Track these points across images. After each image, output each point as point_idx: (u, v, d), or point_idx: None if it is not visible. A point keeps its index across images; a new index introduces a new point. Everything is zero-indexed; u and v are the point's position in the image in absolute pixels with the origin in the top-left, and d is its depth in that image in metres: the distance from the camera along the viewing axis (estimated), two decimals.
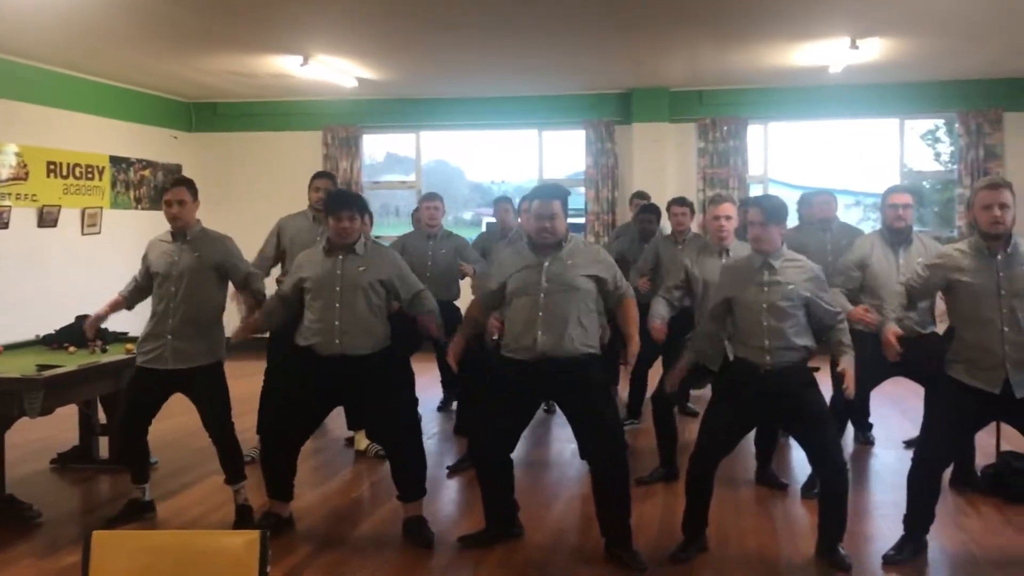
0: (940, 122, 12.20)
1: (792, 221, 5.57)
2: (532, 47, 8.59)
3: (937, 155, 13.07)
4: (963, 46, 8.63)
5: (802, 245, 5.72)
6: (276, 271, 6.15)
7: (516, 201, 7.68)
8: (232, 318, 5.16)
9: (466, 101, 11.25)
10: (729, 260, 5.11)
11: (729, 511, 5.15)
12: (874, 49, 8.51)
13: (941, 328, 5.09)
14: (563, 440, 6.69)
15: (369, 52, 8.85)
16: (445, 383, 8.11)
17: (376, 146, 12.99)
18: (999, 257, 4.08)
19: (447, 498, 5.62)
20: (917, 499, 4.38)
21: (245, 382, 6.47)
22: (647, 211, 7.47)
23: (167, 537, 2.91)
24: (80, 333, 5.97)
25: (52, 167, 9.30)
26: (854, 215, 13.86)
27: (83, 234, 9.73)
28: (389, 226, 12.86)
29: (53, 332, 6.11)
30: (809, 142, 13.24)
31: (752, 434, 5.44)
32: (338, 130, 11.46)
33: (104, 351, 5.80)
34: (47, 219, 9.16)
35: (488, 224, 9.34)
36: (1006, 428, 5.40)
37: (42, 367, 5.05)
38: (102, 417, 6.26)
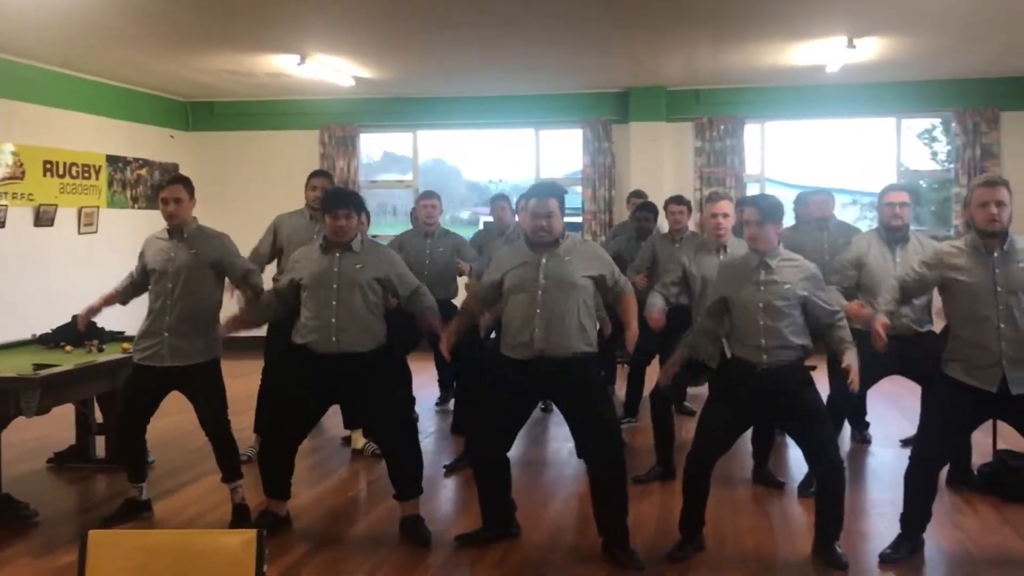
0: (937, 121, 12.21)
1: (788, 220, 5.58)
2: (529, 46, 8.59)
3: (934, 154, 13.08)
4: (960, 45, 8.63)
5: (799, 244, 5.72)
6: (273, 270, 6.15)
7: (513, 200, 7.68)
8: (230, 311, 5.14)
9: (463, 100, 11.24)
10: (726, 258, 5.11)
11: (726, 510, 5.15)
12: (871, 48, 8.51)
13: (938, 326, 5.11)
14: (560, 439, 6.69)
15: (366, 51, 8.84)
16: (442, 382, 8.12)
17: (373, 145, 12.98)
18: (995, 254, 4.07)
19: (444, 497, 5.62)
20: (914, 498, 4.39)
21: (242, 381, 6.48)
22: (644, 209, 7.47)
23: (163, 536, 2.91)
24: (76, 332, 5.97)
25: (48, 166, 9.29)
26: (851, 214, 13.86)
27: (80, 233, 9.71)
28: (386, 225, 12.84)
29: (50, 331, 6.10)
30: (806, 141, 13.22)
31: (749, 433, 5.46)
32: (335, 129, 11.45)
33: (101, 350, 5.80)
34: (43, 218, 9.15)
35: (485, 223, 9.34)
36: (1002, 426, 5.38)
37: (38, 366, 5.05)
38: (99, 416, 6.26)
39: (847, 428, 6.62)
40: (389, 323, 4.80)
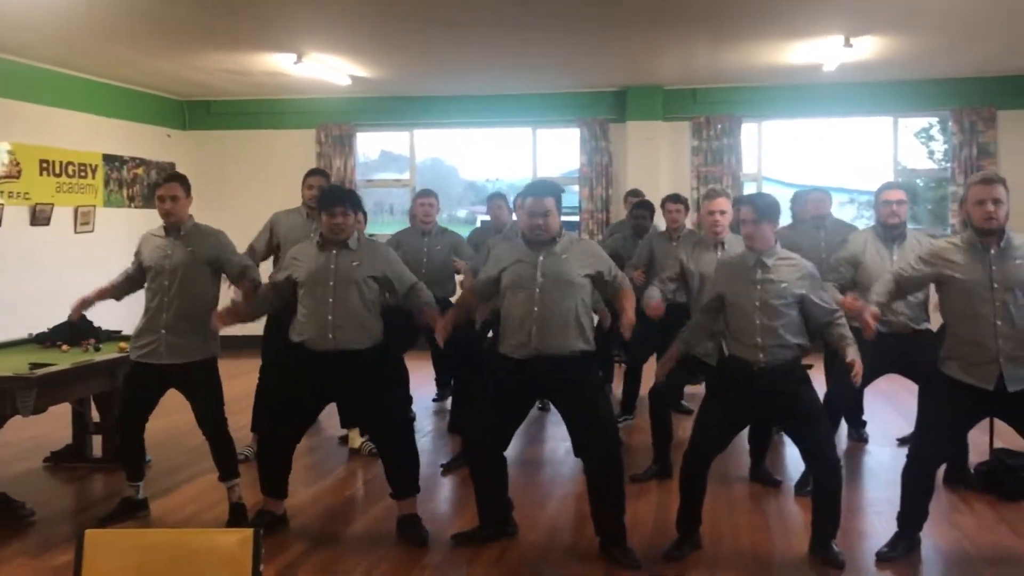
0: (934, 120, 12.24)
1: (785, 220, 5.58)
2: (527, 45, 8.58)
3: (931, 153, 13.11)
4: (957, 44, 8.64)
5: (795, 243, 5.72)
6: (269, 268, 6.14)
7: (510, 198, 7.67)
8: None
9: (460, 99, 11.24)
10: (724, 256, 5.11)
11: (723, 508, 5.15)
12: (868, 47, 8.52)
13: (935, 324, 5.11)
14: (557, 438, 6.69)
15: (363, 50, 8.84)
16: (439, 381, 8.12)
17: (370, 144, 13.00)
18: (992, 251, 4.08)
19: (441, 496, 5.62)
20: (911, 496, 4.39)
21: (239, 381, 6.47)
22: (640, 208, 7.47)
23: (160, 536, 2.90)
24: (71, 327, 5.96)
25: (45, 165, 9.27)
26: (848, 213, 13.89)
27: (76, 232, 9.70)
28: (383, 224, 12.85)
29: (46, 330, 6.10)
30: (803, 140, 13.25)
31: (745, 431, 5.46)
32: (332, 128, 11.44)
33: (97, 349, 5.80)
34: (40, 217, 9.13)
35: (482, 221, 9.33)
36: (999, 425, 5.40)
37: (35, 365, 5.05)
38: (95, 415, 6.26)
39: (844, 426, 6.63)
40: (386, 321, 4.80)
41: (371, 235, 6.62)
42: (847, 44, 8.19)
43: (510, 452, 4.69)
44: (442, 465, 6.06)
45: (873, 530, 4.81)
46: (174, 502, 5.45)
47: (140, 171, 10.80)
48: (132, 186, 10.66)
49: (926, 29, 7.98)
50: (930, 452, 4.37)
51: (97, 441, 6.28)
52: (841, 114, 11.06)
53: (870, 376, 5.38)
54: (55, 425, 6.44)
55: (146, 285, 4.98)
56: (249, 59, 9.08)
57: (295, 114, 11.48)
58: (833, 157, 13.69)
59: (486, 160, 15.19)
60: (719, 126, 10.80)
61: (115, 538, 2.53)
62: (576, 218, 11.12)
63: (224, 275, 5.06)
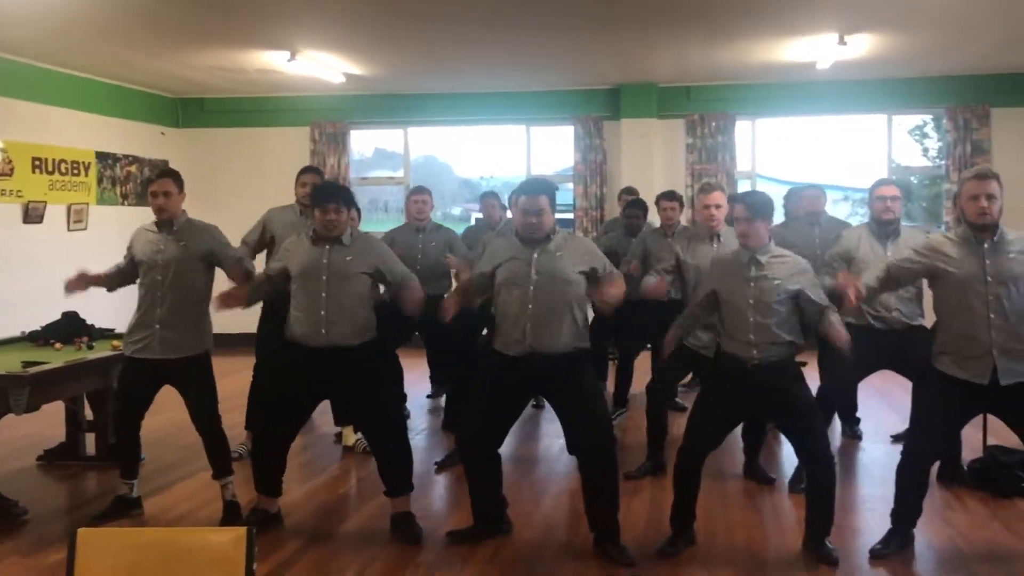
0: (928, 118, 12.23)
1: (778, 217, 5.58)
2: (521, 42, 8.57)
3: (925, 150, 13.10)
4: (951, 42, 8.65)
5: (789, 240, 5.73)
6: (260, 264, 6.13)
7: (503, 196, 7.67)
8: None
9: (454, 97, 11.23)
10: (719, 254, 5.11)
11: (717, 505, 5.16)
12: (862, 45, 8.52)
13: (929, 320, 5.12)
14: (551, 435, 6.69)
15: (357, 47, 8.82)
16: (434, 378, 8.12)
17: (364, 142, 12.96)
18: (986, 245, 4.09)
19: (436, 494, 5.61)
20: (905, 493, 4.40)
21: (233, 378, 6.47)
22: (634, 207, 7.47)
23: (153, 534, 2.90)
24: (67, 329, 5.97)
25: (38, 163, 9.25)
26: (843, 210, 13.89)
27: (69, 230, 9.68)
28: (377, 222, 12.82)
29: (39, 329, 6.09)
30: (797, 138, 13.24)
31: (739, 428, 5.46)
32: (325, 126, 11.43)
33: (90, 347, 5.79)
34: (33, 215, 9.11)
35: (476, 219, 9.34)
36: (993, 422, 5.42)
37: (28, 363, 5.05)
38: (89, 414, 6.24)
39: (838, 424, 6.65)
40: (379, 316, 4.80)
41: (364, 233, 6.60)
42: (841, 42, 8.19)
43: (504, 450, 4.68)
44: (436, 463, 6.06)
45: (867, 527, 4.82)
46: (168, 500, 5.44)
47: (133, 169, 10.77)
48: (125, 184, 10.64)
49: (920, 27, 7.98)
50: (924, 449, 4.38)
51: (90, 439, 6.26)
52: (835, 112, 11.08)
53: (864, 371, 5.42)
54: (48, 423, 6.42)
55: (139, 280, 4.97)
56: (242, 56, 9.06)
57: (289, 112, 11.47)
58: (827, 154, 13.67)
59: (480, 158, 15.14)
60: (713, 124, 10.81)
61: (108, 537, 2.52)
62: (570, 216, 11.11)
63: (219, 268, 5.05)
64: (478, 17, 7.56)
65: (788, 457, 5.84)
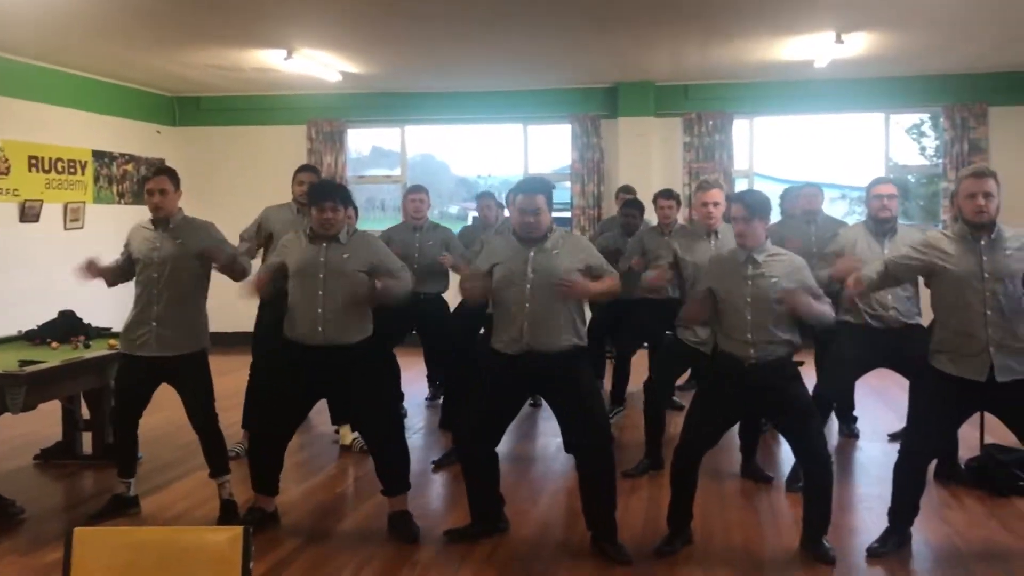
0: (925, 116, 12.25)
1: (774, 216, 5.58)
2: (518, 41, 8.57)
3: (922, 149, 13.13)
4: (948, 41, 8.65)
5: (785, 239, 5.74)
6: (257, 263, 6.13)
7: (500, 195, 7.67)
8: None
9: (451, 95, 11.22)
10: (716, 253, 5.10)
11: (714, 504, 5.16)
12: (859, 43, 8.52)
13: (926, 319, 5.12)
14: (548, 434, 6.69)
15: (354, 46, 8.81)
16: (432, 380, 8.11)
17: (361, 140, 12.96)
18: (983, 242, 4.10)
19: (433, 493, 5.61)
20: (902, 492, 4.40)
21: (230, 377, 6.46)
22: (630, 206, 7.47)
23: (150, 533, 2.89)
24: (64, 328, 5.95)
25: (34, 161, 9.23)
26: (840, 209, 13.91)
27: (66, 229, 9.66)
28: (374, 220, 12.82)
29: (36, 327, 6.08)
30: (795, 137, 13.27)
31: (736, 427, 5.47)
32: (322, 124, 11.41)
33: (87, 346, 5.78)
34: (29, 214, 9.10)
35: (474, 218, 9.33)
36: (990, 420, 5.42)
37: (24, 363, 5.04)
38: (85, 413, 6.23)
39: (835, 423, 6.65)
40: (376, 313, 4.80)
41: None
42: (838, 40, 8.19)
43: (501, 448, 4.69)
44: (433, 461, 6.06)
45: (864, 526, 4.82)
46: (165, 499, 5.44)
47: (130, 167, 10.76)
48: (122, 182, 10.62)
49: (918, 26, 7.98)
50: (921, 447, 4.39)
51: (87, 438, 6.26)
52: (833, 110, 11.08)
53: (861, 370, 5.43)
54: (45, 422, 6.42)
55: (135, 278, 4.96)
56: (239, 55, 9.05)
57: (285, 110, 11.45)
58: (825, 153, 13.70)
59: (477, 156, 15.16)
60: (711, 122, 10.81)
61: (104, 536, 2.52)
62: (568, 214, 11.11)
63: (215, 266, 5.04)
64: (475, 16, 7.55)
65: (785, 456, 5.84)
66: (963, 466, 5.54)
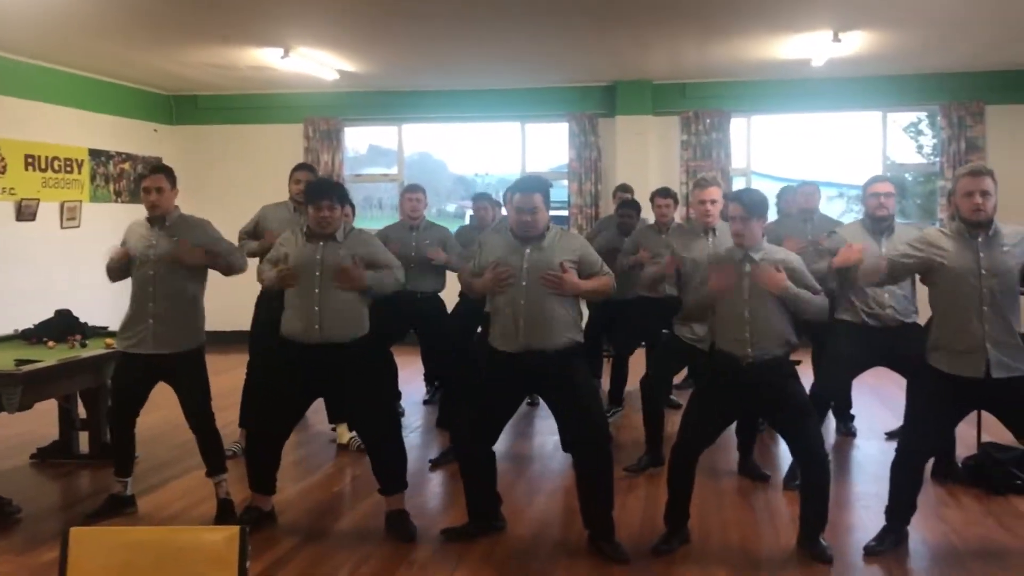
0: (922, 115, 12.26)
1: (771, 215, 5.58)
2: (516, 39, 8.56)
3: (919, 147, 13.14)
4: (945, 40, 8.66)
5: (784, 239, 5.73)
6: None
7: (496, 195, 7.66)
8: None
9: (448, 93, 11.21)
10: (714, 248, 5.11)
11: (711, 503, 5.16)
12: (856, 42, 8.53)
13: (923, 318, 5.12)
14: (546, 433, 6.69)
15: (350, 44, 8.80)
16: (429, 380, 8.11)
17: (358, 139, 12.94)
18: (980, 239, 4.11)
19: (430, 492, 5.61)
20: (900, 490, 4.40)
21: (227, 376, 6.45)
22: (627, 206, 7.46)
23: (146, 533, 2.89)
24: (60, 327, 5.94)
25: (30, 160, 9.21)
26: (837, 207, 13.92)
27: (62, 228, 9.64)
28: (372, 219, 12.82)
29: (32, 327, 6.07)
30: (792, 135, 13.26)
31: (733, 425, 5.47)
32: (319, 123, 11.40)
33: (83, 346, 5.77)
34: (25, 213, 9.08)
35: (471, 217, 9.33)
36: (987, 419, 5.42)
37: (21, 362, 5.03)
38: (82, 412, 6.23)
39: (832, 421, 6.65)
40: (373, 312, 4.80)
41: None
42: (836, 39, 8.20)
43: (499, 447, 4.69)
44: (430, 460, 6.06)
45: (861, 524, 4.82)
46: (162, 498, 5.43)
47: (127, 166, 10.74)
48: (119, 181, 10.61)
49: (915, 24, 7.99)
50: (918, 445, 4.39)
51: (84, 437, 6.25)
52: (830, 109, 11.09)
53: (858, 368, 5.43)
54: (41, 422, 6.40)
55: (132, 275, 4.96)
56: (236, 54, 9.04)
57: (282, 108, 11.44)
58: (822, 151, 13.70)
59: (475, 154, 15.14)
60: (708, 121, 10.81)
61: (101, 535, 2.52)
62: (565, 213, 11.12)
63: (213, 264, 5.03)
64: (472, 14, 7.55)
65: (783, 454, 5.84)
66: (960, 464, 5.54)
